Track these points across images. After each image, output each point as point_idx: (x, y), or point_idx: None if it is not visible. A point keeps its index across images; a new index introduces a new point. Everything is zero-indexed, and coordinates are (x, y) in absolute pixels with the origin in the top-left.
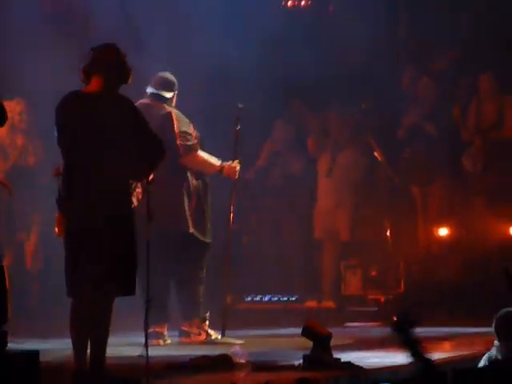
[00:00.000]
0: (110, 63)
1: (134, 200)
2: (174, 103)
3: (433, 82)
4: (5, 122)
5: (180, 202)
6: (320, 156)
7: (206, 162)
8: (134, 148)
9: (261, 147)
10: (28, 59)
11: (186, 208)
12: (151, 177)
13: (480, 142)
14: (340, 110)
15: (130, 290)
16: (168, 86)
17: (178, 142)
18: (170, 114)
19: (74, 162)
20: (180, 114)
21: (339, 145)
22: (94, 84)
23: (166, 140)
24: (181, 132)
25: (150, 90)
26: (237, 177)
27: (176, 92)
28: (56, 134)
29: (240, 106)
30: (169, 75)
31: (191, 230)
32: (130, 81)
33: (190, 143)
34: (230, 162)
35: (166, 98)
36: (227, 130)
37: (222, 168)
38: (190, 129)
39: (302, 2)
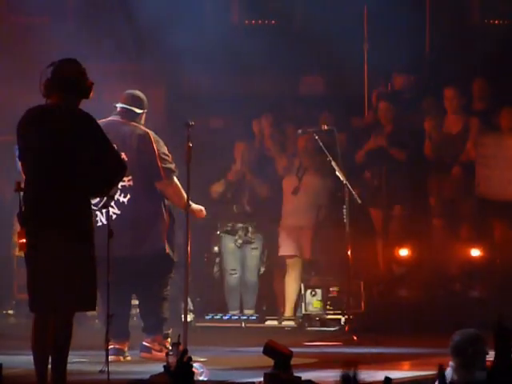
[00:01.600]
0: (70, 78)
1: (103, 218)
2: (143, 121)
3: (391, 105)
4: None
5: (157, 221)
6: (285, 175)
7: (180, 191)
8: (93, 164)
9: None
10: None
11: (162, 227)
12: (111, 193)
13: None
14: (305, 130)
15: (90, 306)
16: (138, 102)
17: (159, 164)
18: (147, 134)
19: (33, 177)
20: (155, 134)
21: (304, 165)
22: (55, 99)
23: (145, 161)
24: (160, 153)
25: (119, 105)
26: (201, 217)
27: (145, 110)
28: (17, 148)
29: (191, 123)
30: (139, 93)
31: (167, 251)
32: (91, 96)
33: (170, 166)
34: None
35: (136, 114)
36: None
37: (189, 206)
38: (167, 150)
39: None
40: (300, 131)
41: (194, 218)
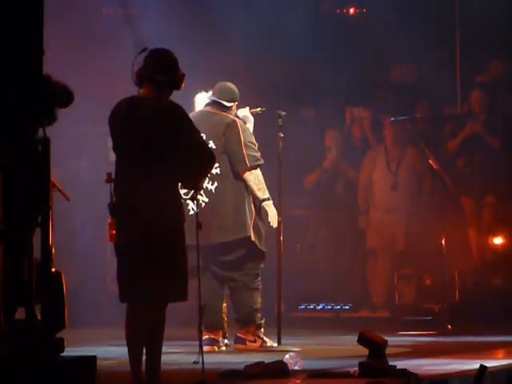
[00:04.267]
0: (162, 69)
1: (194, 207)
2: (234, 111)
3: (483, 93)
4: (71, 102)
5: (242, 209)
6: (374, 166)
7: (262, 180)
8: (183, 155)
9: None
10: None
11: (248, 215)
12: (200, 185)
13: None
14: (396, 119)
15: (181, 296)
16: (228, 95)
17: (244, 151)
18: (234, 122)
19: (124, 167)
20: (243, 123)
21: (394, 155)
22: (146, 89)
23: (232, 149)
24: (246, 141)
25: (211, 97)
26: (274, 224)
27: (236, 103)
28: (111, 139)
29: (282, 113)
30: (230, 85)
31: (253, 238)
32: (182, 87)
33: (256, 154)
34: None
35: (227, 107)
36: (270, 137)
37: (268, 199)
38: (254, 140)
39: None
40: (392, 119)
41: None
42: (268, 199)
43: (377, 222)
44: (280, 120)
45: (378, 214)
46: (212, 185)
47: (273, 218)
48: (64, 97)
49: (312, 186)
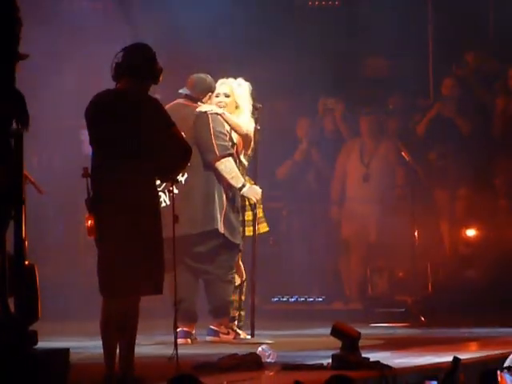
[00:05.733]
0: (139, 63)
1: (166, 199)
2: (210, 101)
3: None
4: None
5: (212, 201)
6: (348, 158)
7: (234, 170)
8: (159, 148)
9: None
10: None
11: (217, 207)
12: (176, 178)
13: None
14: (368, 110)
15: (157, 289)
16: (201, 86)
17: (214, 141)
18: (205, 113)
19: (101, 161)
20: (216, 115)
21: (368, 147)
22: (124, 83)
23: (201, 139)
24: (216, 131)
25: (183, 91)
26: (256, 199)
27: (211, 94)
28: (88, 132)
29: (259, 105)
30: (203, 76)
31: (222, 231)
32: (159, 81)
33: (225, 143)
34: (253, 183)
35: (199, 99)
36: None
37: (243, 186)
38: (225, 130)
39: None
40: (365, 112)
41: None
42: (243, 186)
43: (349, 214)
44: (256, 112)
45: (351, 205)
46: (182, 176)
47: (257, 195)
48: None
49: (284, 177)
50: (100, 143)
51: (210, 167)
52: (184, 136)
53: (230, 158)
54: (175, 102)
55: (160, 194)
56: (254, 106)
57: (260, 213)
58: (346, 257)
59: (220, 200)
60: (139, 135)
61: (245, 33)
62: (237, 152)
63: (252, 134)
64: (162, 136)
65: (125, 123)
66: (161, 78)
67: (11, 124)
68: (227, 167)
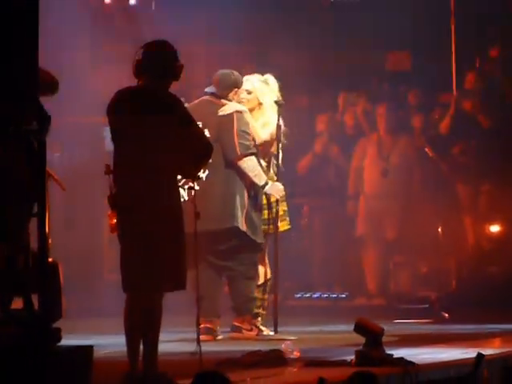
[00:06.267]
0: (159, 61)
1: (185, 194)
2: (236, 98)
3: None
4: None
5: (232, 199)
6: (366, 153)
7: (257, 168)
8: (180, 145)
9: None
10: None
11: (238, 206)
12: (197, 175)
13: None
14: (387, 105)
15: (179, 285)
16: (227, 83)
17: (236, 140)
18: (230, 112)
19: (123, 158)
20: (241, 113)
21: (387, 142)
22: (144, 81)
23: (224, 138)
24: (239, 131)
25: (209, 89)
26: (279, 196)
27: (237, 90)
28: (109, 130)
29: (281, 102)
30: (229, 73)
31: (244, 229)
32: (180, 78)
33: (248, 143)
34: (275, 180)
35: (225, 96)
36: None
37: (266, 183)
38: (249, 129)
39: None
40: (384, 107)
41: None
42: (266, 183)
43: (366, 209)
44: (279, 109)
45: (368, 200)
46: (203, 173)
47: (279, 192)
48: (49, 84)
49: (304, 170)
50: (121, 140)
51: (232, 166)
52: (207, 133)
53: (253, 157)
54: (201, 99)
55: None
56: (276, 102)
57: (281, 210)
58: (367, 252)
59: (241, 198)
60: (159, 132)
61: (269, 30)
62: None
63: (272, 138)
64: (181, 133)
65: (145, 121)
66: (181, 76)
67: (31, 123)
68: (250, 165)
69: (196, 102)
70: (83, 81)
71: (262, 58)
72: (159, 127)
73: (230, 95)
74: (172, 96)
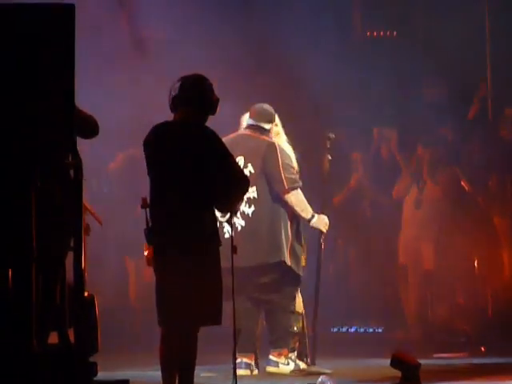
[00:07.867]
0: (196, 94)
1: (229, 230)
2: (272, 133)
3: None
4: (96, 134)
5: (279, 233)
6: (405, 187)
7: (304, 201)
8: (217, 180)
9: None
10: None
11: (284, 239)
12: (235, 208)
13: None
14: (427, 141)
15: (216, 321)
16: (266, 117)
17: (282, 173)
18: (273, 144)
19: (160, 193)
20: (281, 145)
21: (424, 177)
22: (181, 114)
23: (269, 171)
24: (284, 163)
25: (249, 121)
26: (325, 230)
27: (274, 123)
28: (146, 164)
29: (331, 135)
30: (267, 106)
31: (289, 263)
32: (216, 111)
33: (294, 176)
34: (320, 213)
35: (265, 130)
36: (316, 159)
37: (312, 217)
38: (292, 162)
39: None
40: (423, 142)
41: None
42: (313, 217)
43: (404, 241)
44: (328, 142)
45: (406, 232)
46: (249, 208)
47: (326, 226)
48: (89, 128)
49: (340, 204)
50: (157, 174)
51: (278, 199)
52: (252, 167)
53: (299, 190)
54: (239, 132)
55: (224, 225)
56: (327, 136)
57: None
58: (403, 284)
59: (286, 231)
60: (197, 166)
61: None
62: None
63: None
64: (218, 167)
65: (183, 155)
66: (217, 110)
67: (69, 154)
68: (297, 199)
69: (233, 135)
70: (116, 110)
71: None
72: (197, 161)
73: (272, 130)
74: (209, 129)
